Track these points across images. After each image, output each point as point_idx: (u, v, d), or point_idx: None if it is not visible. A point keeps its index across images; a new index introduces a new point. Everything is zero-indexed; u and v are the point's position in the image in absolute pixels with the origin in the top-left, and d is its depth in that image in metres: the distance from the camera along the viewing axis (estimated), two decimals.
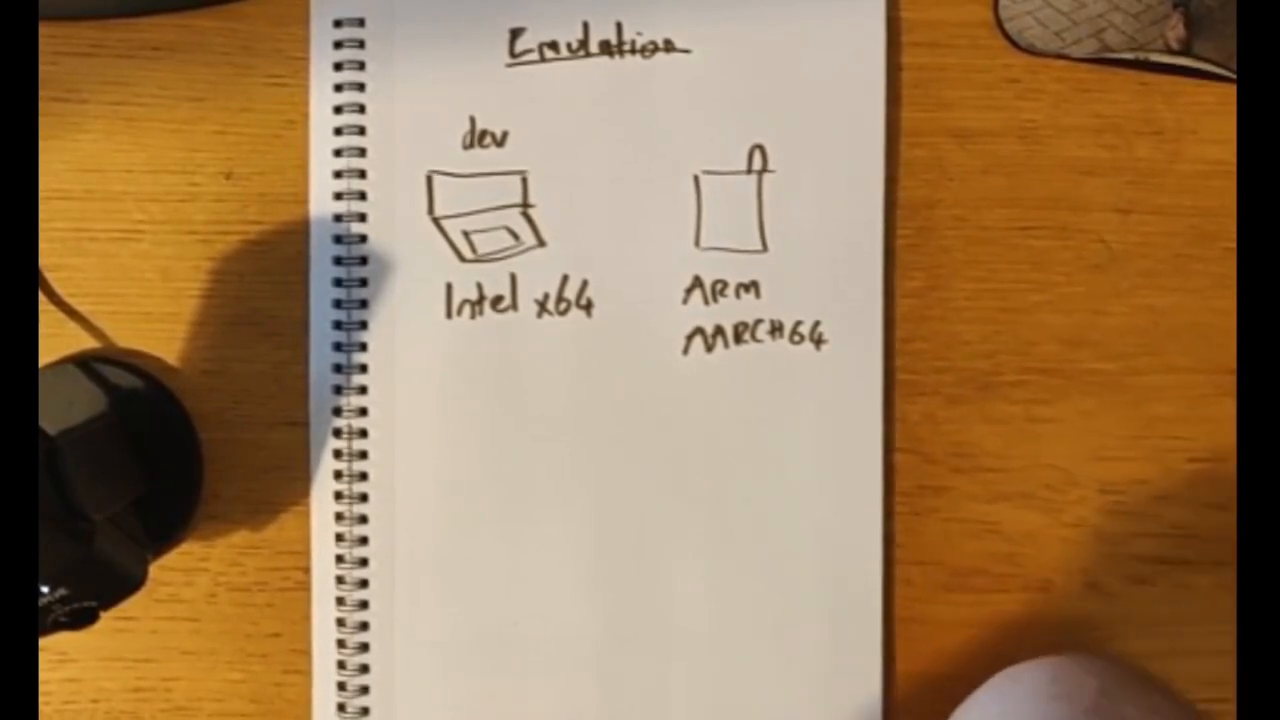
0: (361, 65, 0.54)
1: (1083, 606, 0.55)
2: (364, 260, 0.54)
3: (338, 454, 0.54)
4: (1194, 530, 0.55)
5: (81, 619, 0.47)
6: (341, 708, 0.55)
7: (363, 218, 0.54)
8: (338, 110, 0.54)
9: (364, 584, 0.54)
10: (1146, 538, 0.55)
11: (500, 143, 0.54)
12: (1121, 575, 0.55)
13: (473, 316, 0.54)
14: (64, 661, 0.55)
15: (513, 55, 0.54)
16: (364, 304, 0.54)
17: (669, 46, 0.54)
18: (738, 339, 0.54)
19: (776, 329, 0.54)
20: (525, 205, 0.54)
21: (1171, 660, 0.55)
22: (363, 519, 0.54)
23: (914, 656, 0.55)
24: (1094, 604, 0.55)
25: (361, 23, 0.54)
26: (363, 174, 0.54)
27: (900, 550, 0.55)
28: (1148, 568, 0.55)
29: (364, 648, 0.54)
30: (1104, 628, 0.55)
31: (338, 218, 0.54)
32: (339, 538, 0.54)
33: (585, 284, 0.54)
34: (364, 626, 0.54)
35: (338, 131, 0.54)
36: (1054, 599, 0.55)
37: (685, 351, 0.54)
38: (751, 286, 0.54)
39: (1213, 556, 0.55)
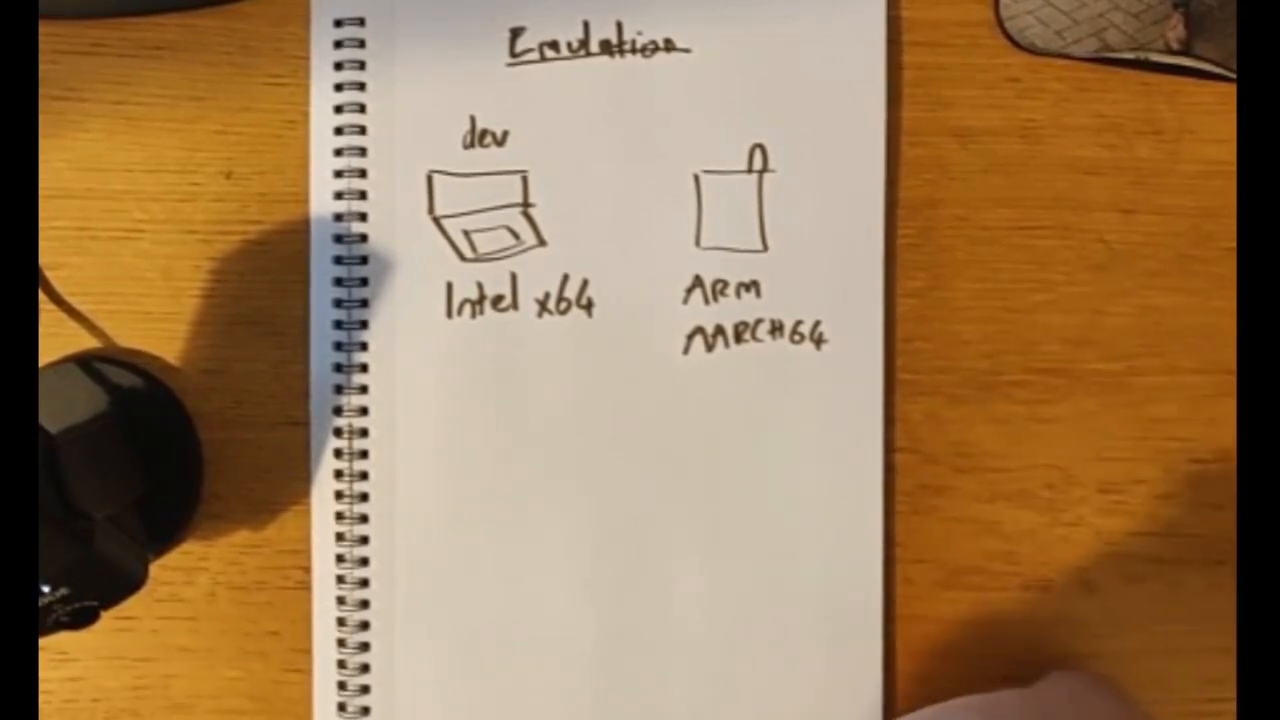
0: (362, 65, 0.54)
1: (1080, 605, 0.56)
2: (364, 260, 0.54)
3: (338, 453, 0.54)
4: (1191, 530, 0.56)
5: (82, 618, 0.47)
6: (341, 707, 0.55)
7: (363, 217, 0.54)
8: (338, 110, 0.54)
9: (364, 583, 0.54)
10: (1144, 537, 0.56)
11: (500, 142, 0.54)
12: (1119, 574, 0.56)
13: (473, 316, 0.54)
14: (65, 661, 0.55)
15: (513, 55, 0.54)
16: (364, 303, 0.54)
17: (669, 46, 0.54)
18: (738, 339, 0.54)
19: (777, 329, 0.54)
20: (525, 204, 0.54)
21: (1168, 659, 0.56)
22: (363, 518, 0.54)
23: (913, 655, 0.55)
24: (1091, 603, 0.56)
25: (362, 22, 0.54)
26: (363, 173, 0.54)
27: (900, 549, 0.55)
28: (1145, 567, 0.56)
29: (364, 647, 0.54)
30: (1101, 626, 0.56)
31: (338, 217, 0.54)
32: (339, 537, 0.54)
33: (585, 283, 0.54)
34: (364, 626, 0.54)
35: (338, 131, 0.54)
36: (1052, 598, 0.56)
37: (685, 351, 0.54)
38: (752, 286, 0.54)
39: (1210, 556, 0.56)
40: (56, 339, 0.54)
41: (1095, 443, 0.55)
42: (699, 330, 0.54)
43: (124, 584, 0.49)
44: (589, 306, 0.54)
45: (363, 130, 0.54)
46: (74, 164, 0.54)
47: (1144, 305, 0.55)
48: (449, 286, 0.54)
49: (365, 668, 0.55)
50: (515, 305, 0.54)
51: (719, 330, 0.54)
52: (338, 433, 0.54)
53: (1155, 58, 0.54)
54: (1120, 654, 0.55)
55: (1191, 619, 0.56)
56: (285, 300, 0.55)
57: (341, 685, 0.55)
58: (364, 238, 0.54)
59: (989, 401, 0.55)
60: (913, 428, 0.55)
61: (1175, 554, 0.56)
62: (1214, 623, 0.55)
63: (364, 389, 0.54)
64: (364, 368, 0.54)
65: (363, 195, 0.54)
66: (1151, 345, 0.55)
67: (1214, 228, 0.55)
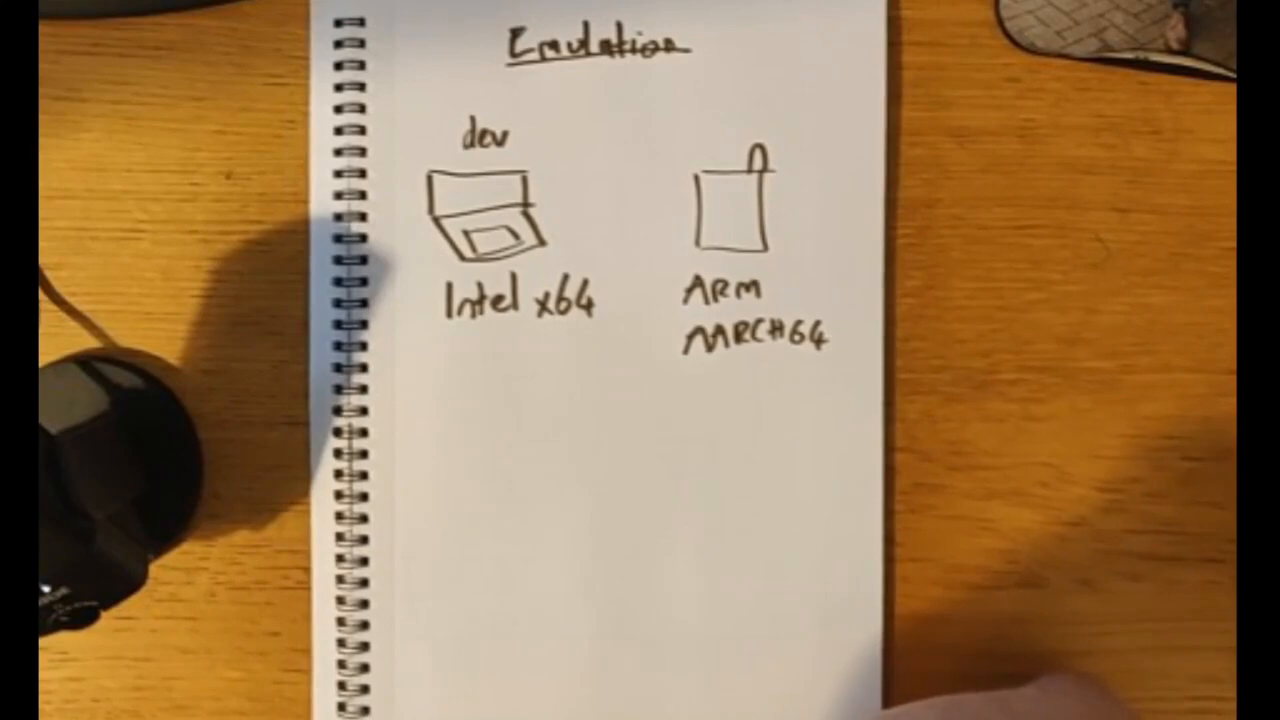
0: (362, 65, 0.54)
1: (1076, 603, 0.56)
2: (364, 259, 0.54)
3: (338, 453, 0.54)
4: (1187, 527, 0.56)
5: (82, 618, 0.47)
6: (341, 707, 0.55)
7: (363, 217, 0.54)
8: (338, 110, 0.54)
9: (364, 583, 0.54)
10: (1140, 534, 0.56)
11: (500, 142, 0.54)
12: (1115, 572, 0.56)
13: (473, 316, 0.54)
14: (65, 661, 0.55)
15: (513, 55, 0.54)
16: (364, 303, 0.54)
17: (669, 46, 0.54)
18: (738, 338, 0.55)
19: (777, 328, 0.54)
20: (525, 204, 0.54)
21: (1164, 656, 0.56)
22: (363, 518, 0.54)
23: (910, 652, 0.56)
24: (1088, 600, 0.56)
25: (362, 22, 0.54)
26: (363, 173, 0.54)
27: (898, 548, 0.55)
28: (1141, 564, 0.56)
29: (364, 647, 0.54)
30: (1097, 624, 0.56)
31: (338, 217, 0.54)
32: (339, 537, 0.54)
33: (586, 283, 0.54)
34: (364, 625, 0.54)
35: (338, 131, 0.54)
36: (1048, 595, 0.56)
37: (685, 351, 0.55)
38: (752, 286, 0.54)
39: (1206, 553, 0.56)
40: (56, 339, 0.54)
41: (1089, 441, 0.56)
42: (699, 330, 0.54)
43: (124, 584, 0.49)
44: (589, 306, 0.54)
45: (363, 130, 0.54)
46: (74, 164, 0.54)
47: (1138, 304, 0.56)
48: (449, 286, 0.54)
49: (365, 668, 0.55)
50: (515, 305, 0.54)
51: (719, 330, 0.55)
52: (338, 433, 0.54)
53: (1155, 58, 0.54)
54: (1118, 652, 0.56)
55: (1189, 617, 0.56)
56: (285, 300, 0.55)
57: (341, 685, 0.55)
58: (364, 238, 0.54)
59: (984, 400, 0.56)
60: (909, 426, 0.55)
61: (1172, 552, 0.56)
62: (1211, 620, 0.56)
63: (364, 389, 0.54)
64: (364, 368, 0.54)
65: (363, 195, 0.54)
66: (1145, 344, 0.56)
67: (1209, 227, 0.55)
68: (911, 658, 0.55)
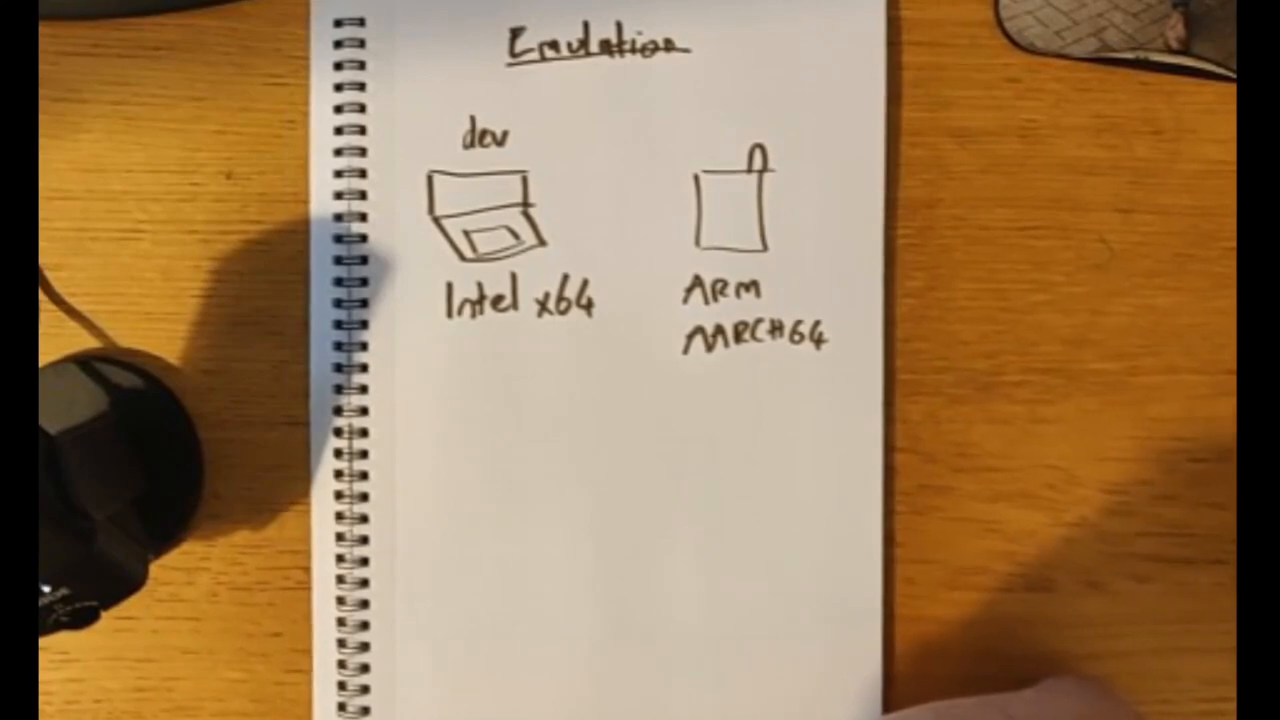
0: (362, 65, 0.54)
1: (1084, 605, 0.55)
2: (364, 260, 0.54)
3: (338, 453, 0.54)
4: (1194, 529, 0.56)
5: (82, 619, 0.47)
6: (342, 707, 0.55)
7: (363, 217, 0.54)
8: (338, 110, 0.54)
9: (364, 583, 0.54)
10: (1148, 537, 0.55)
11: (500, 142, 0.54)
12: (1122, 574, 0.55)
13: (473, 316, 0.54)
14: (66, 661, 0.55)
15: (513, 55, 0.54)
16: (364, 303, 0.54)
17: (669, 46, 0.54)
18: (738, 338, 0.54)
19: (776, 329, 0.54)
20: (525, 204, 0.54)
21: (1171, 658, 0.56)
22: (363, 518, 0.54)
23: (915, 655, 0.55)
24: (1095, 602, 0.56)
25: (362, 22, 0.54)
26: (363, 173, 0.54)
27: (901, 549, 0.55)
28: (1148, 566, 0.56)
29: (364, 647, 0.54)
30: (1104, 626, 0.55)
31: (338, 217, 0.54)
32: (339, 537, 0.54)
33: (586, 283, 0.54)
34: (364, 626, 0.54)
35: (338, 131, 0.54)
36: (1055, 598, 0.55)
37: (685, 351, 0.54)
38: (752, 286, 0.54)
39: (1212, 555, 0.56)
40: (57, 339, 0.54)
41: (1096, 443, 0.55)
42: (699, 330, 0.54)
43: (124, 584, 0.49)
44: (589, 306, 0.54)
45: (363, 130, 0.54)
46: (74, 165, 0.54)
47: (1143, 305, 0.55)
48: (449, 286, 0.54)
49: (365, 668, 0.55)
50: (515, 305, 0.54)
51: (719, 330, 0.54)
52: (338, 433, 0.54)
53: (1155, 57, 0.54)
54: (1125, 654, 0.55)
55: (1197, 619, 0.56)
56: (285, 300, 0.55)
57: (341, 685, 0.55)
58: (364, 238, 0.54)
59: (988, 402, 0.55)
60: (913, 428, 0.55)
61: (1180, 554, 0.55)
62: (1219, 623, 0.55)
63: (364, 389, 0.54)
64: (364, 368, 0.54)
65: (363, 195, 0.54)
66: (1150, 345, 0.55)
67: (1213, 227, 0.55)
68: (917, 661, 0.55)
